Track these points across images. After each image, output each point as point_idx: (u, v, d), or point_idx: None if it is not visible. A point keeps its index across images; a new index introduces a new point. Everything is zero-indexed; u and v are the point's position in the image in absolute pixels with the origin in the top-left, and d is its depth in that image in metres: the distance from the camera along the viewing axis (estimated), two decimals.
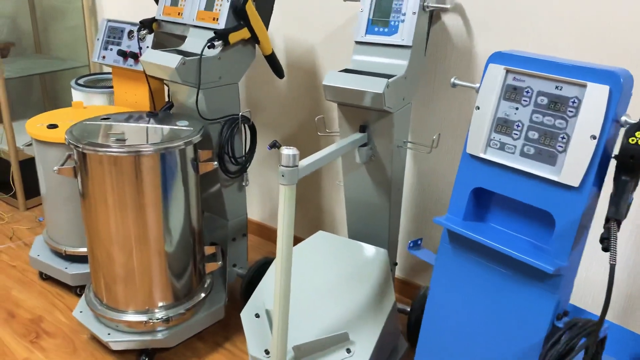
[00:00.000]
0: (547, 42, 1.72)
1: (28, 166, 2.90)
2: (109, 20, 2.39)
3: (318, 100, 2.34)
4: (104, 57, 2.38)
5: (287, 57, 2.38)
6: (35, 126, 2.11)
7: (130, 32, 2.32)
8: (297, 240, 2.62)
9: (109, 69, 3.01)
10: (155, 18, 2.08)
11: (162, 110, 2.13)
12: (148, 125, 1.85)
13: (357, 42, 1.76)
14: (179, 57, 1.77)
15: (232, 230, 2.15)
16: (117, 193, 1.70)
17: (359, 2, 1.77)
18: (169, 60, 1.79)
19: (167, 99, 2.51)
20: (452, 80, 1.37)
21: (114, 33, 2.36)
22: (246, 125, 2.01)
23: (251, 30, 1.89)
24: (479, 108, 1.31)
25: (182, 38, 2.05)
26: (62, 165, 1.79)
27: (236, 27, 1.86)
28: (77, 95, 2.70)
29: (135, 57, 2.27)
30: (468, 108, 1.93)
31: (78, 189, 1.82)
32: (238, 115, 1.97)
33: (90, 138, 1.71)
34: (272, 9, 2.01)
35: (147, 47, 2.25)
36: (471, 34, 1.85)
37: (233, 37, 1.85)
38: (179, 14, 2.00)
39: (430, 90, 2.00)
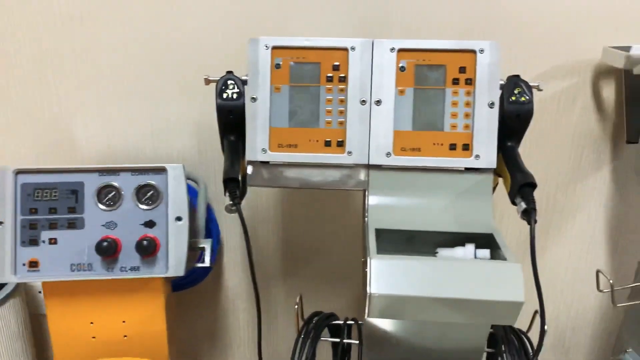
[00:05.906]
0: None
1: None
2: (20, 172, 0.95)
3: None
4: (32, 264, 0.95)
5: None
6: None
7: (109, 190, 0.95)
8: None
9: None
10: (251, 159, 0.87)
11: None
12: None
13: None
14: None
15: None
16: None
17: None
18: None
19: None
20: None
21: (50, 201, 0.95)
22: None
23: None
24: None
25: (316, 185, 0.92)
26: None
27: (513, 155, 0.89)
28: None
29: (152, 249, 0.95)
30: None
31: None
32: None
33: None
34: None
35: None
36: None
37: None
38: (329, 145, 0.87)
39: None
